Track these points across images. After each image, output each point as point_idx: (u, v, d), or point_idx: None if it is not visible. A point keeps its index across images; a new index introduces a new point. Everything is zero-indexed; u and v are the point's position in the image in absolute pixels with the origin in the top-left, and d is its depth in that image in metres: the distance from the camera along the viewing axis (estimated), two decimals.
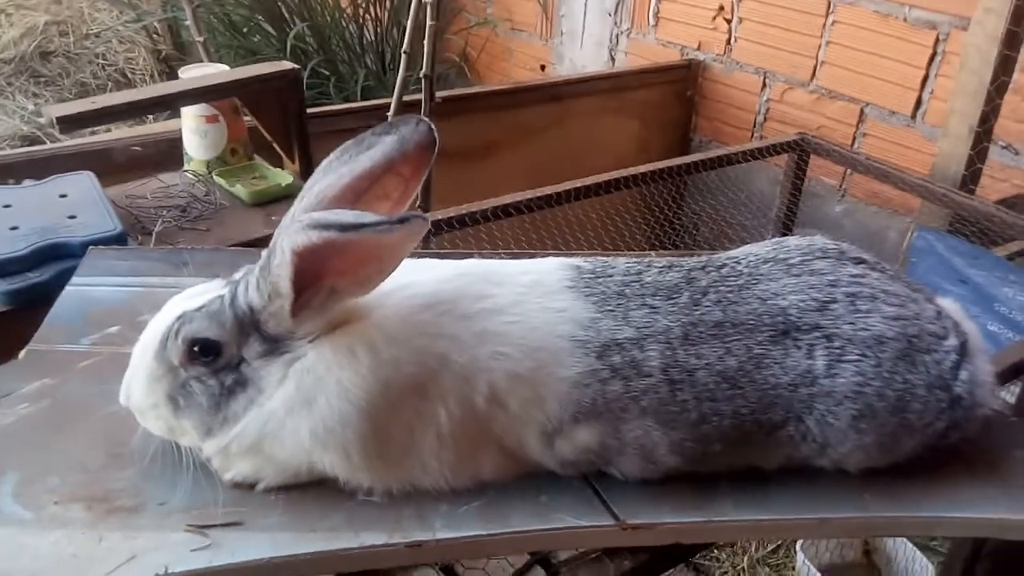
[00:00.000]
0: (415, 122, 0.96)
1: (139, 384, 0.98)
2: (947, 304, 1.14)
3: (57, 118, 1.67)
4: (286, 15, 4.48)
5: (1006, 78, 2.40)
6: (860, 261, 1.11)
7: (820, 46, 3.49)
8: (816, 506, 1.03)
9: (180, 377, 0.97)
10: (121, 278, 1.38)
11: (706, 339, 1.01)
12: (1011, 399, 1.77)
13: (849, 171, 3.53)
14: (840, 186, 3.60)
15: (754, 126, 3.86)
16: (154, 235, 1.94)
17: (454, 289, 1.01)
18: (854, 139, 3.49)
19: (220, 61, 2.59)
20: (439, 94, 2.53)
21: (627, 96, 3.92)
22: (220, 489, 0.97)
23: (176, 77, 2.21)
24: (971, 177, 2.29)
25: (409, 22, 2.47)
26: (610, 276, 1.07)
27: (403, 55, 2.53)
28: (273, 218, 2.14)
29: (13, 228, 1.67)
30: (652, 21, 4.12)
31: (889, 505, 1.04)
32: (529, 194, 2.16)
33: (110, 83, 5.42)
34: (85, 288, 1.35)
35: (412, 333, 0.97)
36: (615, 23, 4.31)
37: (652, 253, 1.47)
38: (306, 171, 2.31)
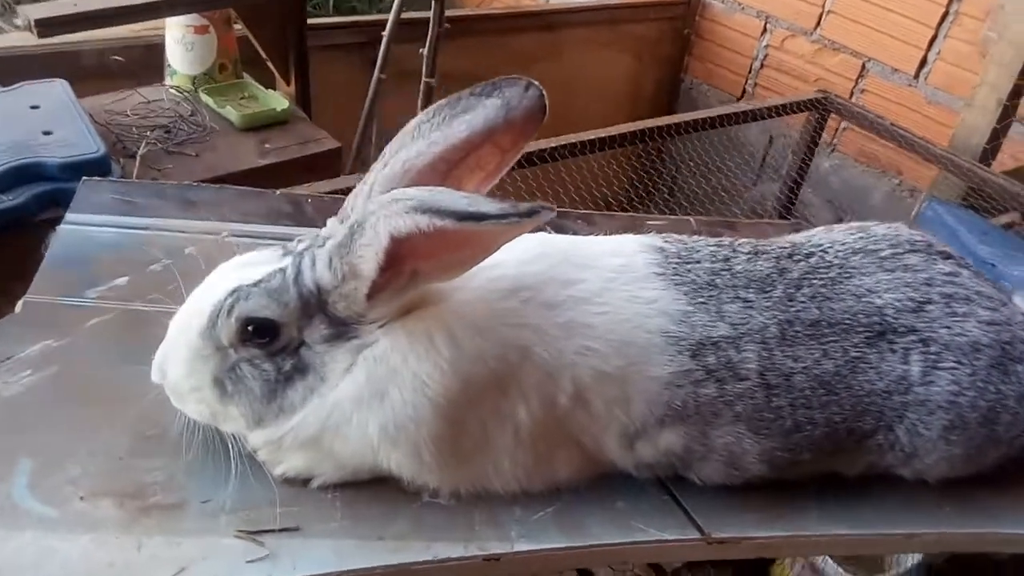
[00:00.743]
0: (524, 85, 0.82)
1: (179, 363, 0.85)
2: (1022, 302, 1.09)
3: (36, 20, 1.45)
4: None
5: None
6: (948, 256, 1.05)
7: None
8: (900, 518, 0.99)
9: (230, 359, 0.84)
10: (122, 217, 1.22)
11: (803, 340, 0.93)
12: None
13: (843, 126, 3.46)
14: (832, 140, 3.54)
15: (749, 72, 3.75)
16: (138, 159, 1.75)
17: (538, 272, 0.90)
18: (851, 94, 3.41)
19: None
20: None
21: (622, 29, 3.75)
22: (273, 486, 0.85)
23: None
24: (992, 151, 2.25)
25: None
26: (697, 262, 0.97)
27: None
28: (267, 146, 1.97)
29: None
30: None
31: (969, 518, 1.00)
32: (543, 143, 2.03)
33: None
34: (82, 228, 1.19)
35: (496, 323, 0.86)
36: None
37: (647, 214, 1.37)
38: (303, 95, 2.12)
